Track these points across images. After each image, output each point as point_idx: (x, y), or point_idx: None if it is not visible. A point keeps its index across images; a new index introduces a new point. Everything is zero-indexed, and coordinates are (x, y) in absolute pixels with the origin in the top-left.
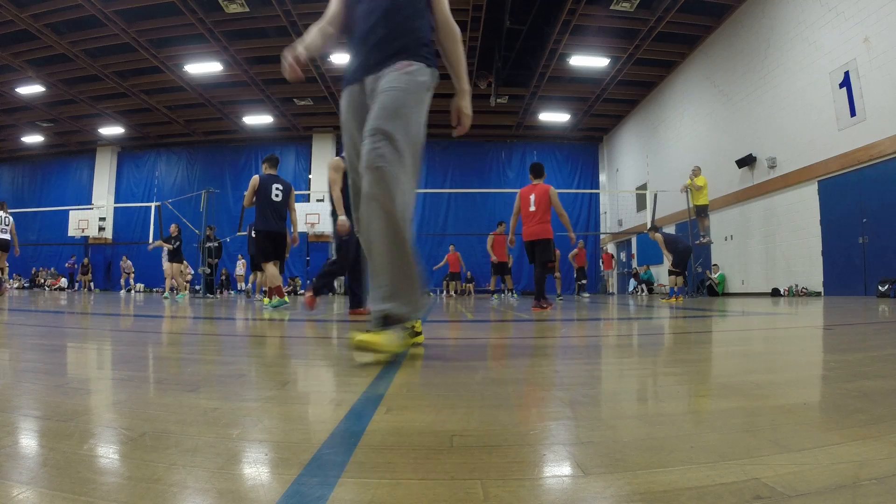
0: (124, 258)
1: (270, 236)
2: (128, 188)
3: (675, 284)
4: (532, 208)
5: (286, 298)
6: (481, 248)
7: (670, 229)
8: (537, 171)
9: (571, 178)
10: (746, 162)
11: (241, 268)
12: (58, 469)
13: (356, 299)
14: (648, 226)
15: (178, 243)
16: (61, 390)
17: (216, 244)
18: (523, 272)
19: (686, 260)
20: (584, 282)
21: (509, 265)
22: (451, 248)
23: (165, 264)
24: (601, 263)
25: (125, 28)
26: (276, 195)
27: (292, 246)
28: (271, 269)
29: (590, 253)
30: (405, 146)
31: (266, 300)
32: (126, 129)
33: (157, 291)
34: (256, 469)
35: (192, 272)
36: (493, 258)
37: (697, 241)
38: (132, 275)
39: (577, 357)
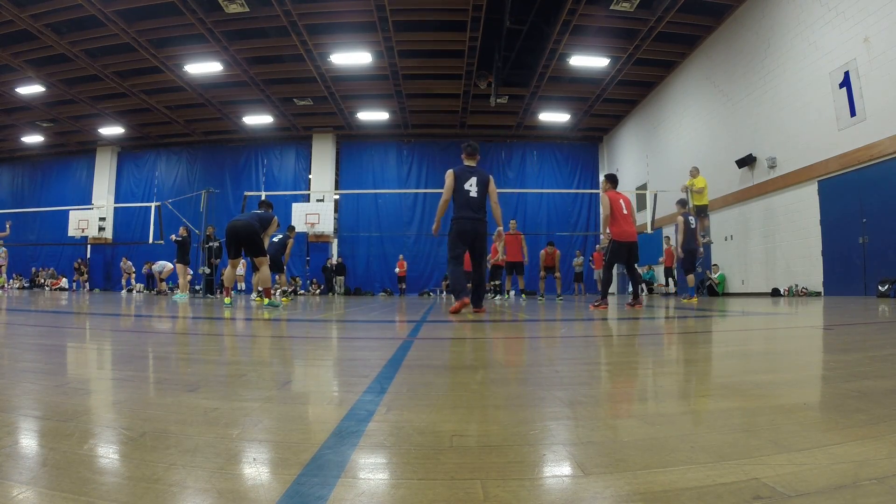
0: (124, 259)
1: (233, 232)
2: (128, 188)
3: (693, 283)
4: (625, 212)
5: (275, 300)
6: None
7: (670, 230)
8: (617, 181)
9: (571, 178)
10: (746, 162)
11: (241, 268)
12: (58, 469)
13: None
14: (681, 208)
15: (183, 244)
16: (61, 390)
17: (216, 244)
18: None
19: (689, 259)
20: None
21: (524, 264)
22: None
23: (177, 266)
24: (591, 263)
25: (125, 28)
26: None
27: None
28: (265, 270)
29: (588, 252)
30: None
31: (258, 300)
32: (126, 129)
33: (154, 291)
34: (256, 469)
35: (192, 272)
36: (501, 258)
37: None
38: (133, 275)
39: (577, 356)
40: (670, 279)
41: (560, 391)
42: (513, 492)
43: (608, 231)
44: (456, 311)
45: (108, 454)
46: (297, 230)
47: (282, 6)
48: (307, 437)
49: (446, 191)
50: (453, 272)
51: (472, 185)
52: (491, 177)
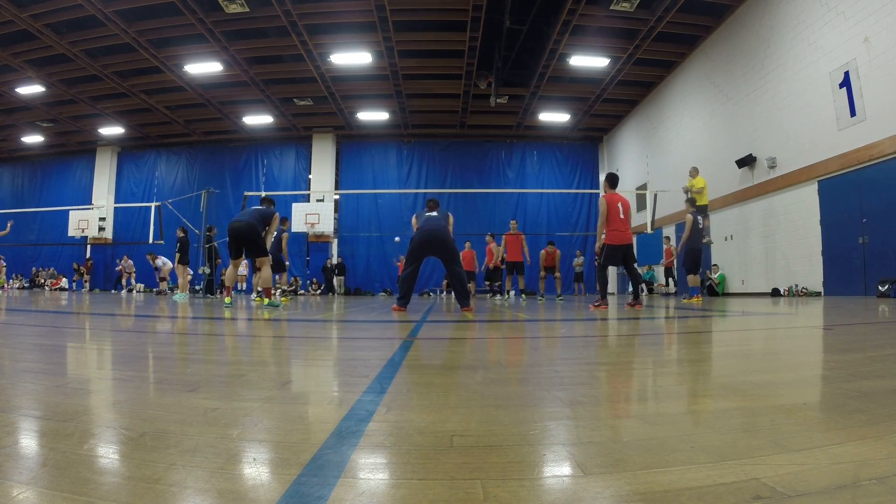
0: (125, 258)
1: (234, 233)
2: (128, 188)
3: (695, 284)
4: (622, 216)
5: (274, 300)
6: (480, 248)
7: (670, 230)
8: (616, 181)
9: (571, 178)
10: (746, 162)
11: (242, 268)
12: (58, 469)
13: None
14: (690, 206)
15: (182, 244)
16: (61, 390)
17: (216, 245)
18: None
19: (692, 259)
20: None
21: (525, 265)
22: (466, 244)
23: (176, 265)
24: (595, 262)
25: (125, 28)
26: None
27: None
28: (266, 270)
29: (589, 252)
30: None
31: (258, 300)
32: (126, 129)
33: (154, 291)
34: (256, 469)
35: (192, 272)
36: (499, 259)
37: None
38: (133, 275)
39: (577, 356)
40: (670, 279)
41: (560, 391)
42: (513, 492)
43: (602, 235)
44: (395, 311)
45: (108, 454)
46: (297, 230)
47: (282, 6)
48: (307, 437)
49: (414, 225)
50: (404, 280)
51: (432, 212)
52: (449, 213)
